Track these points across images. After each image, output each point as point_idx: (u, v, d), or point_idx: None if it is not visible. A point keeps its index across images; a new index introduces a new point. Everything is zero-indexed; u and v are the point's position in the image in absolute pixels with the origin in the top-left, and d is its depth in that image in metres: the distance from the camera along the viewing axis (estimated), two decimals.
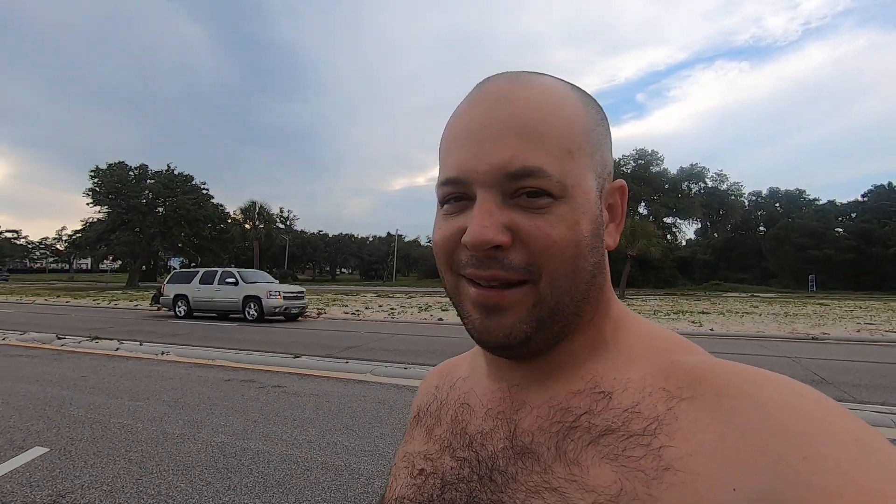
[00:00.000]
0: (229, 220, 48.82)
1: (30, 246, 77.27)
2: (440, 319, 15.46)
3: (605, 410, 0.39)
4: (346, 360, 7.88)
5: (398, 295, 31.65)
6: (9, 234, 66.79)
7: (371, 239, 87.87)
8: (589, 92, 0.47)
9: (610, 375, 0.42)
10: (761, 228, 63.33)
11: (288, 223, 54.63)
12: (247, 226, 43.13)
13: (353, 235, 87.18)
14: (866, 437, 0.31)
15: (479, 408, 0.48)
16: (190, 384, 6.24)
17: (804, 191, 63.29)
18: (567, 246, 0.39)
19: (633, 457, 0.36)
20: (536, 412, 0.43)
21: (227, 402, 5.39)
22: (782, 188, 64.83)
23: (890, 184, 55.74)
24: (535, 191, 0.39)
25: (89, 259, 73.97)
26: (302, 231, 75.50)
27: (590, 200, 0.41)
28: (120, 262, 57.77)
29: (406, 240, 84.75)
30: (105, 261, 56.11)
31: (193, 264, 70.38)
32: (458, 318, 0.45)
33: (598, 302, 0.44)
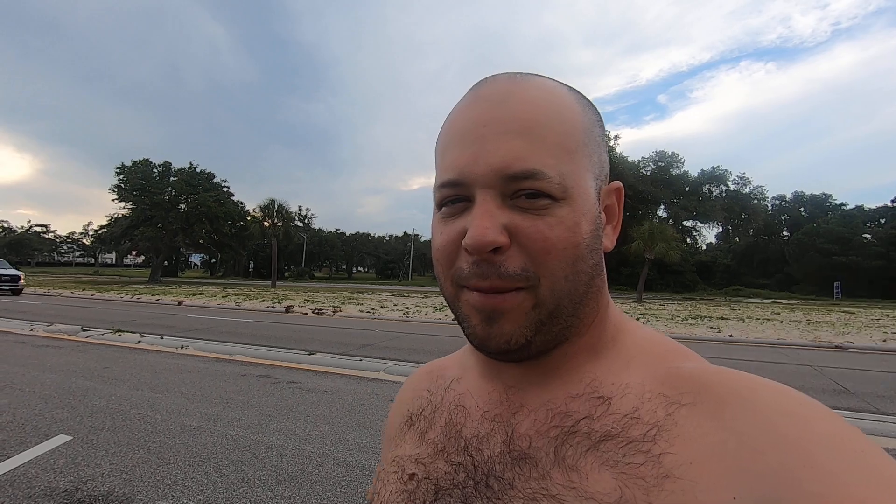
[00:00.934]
0: (249, 218, 49.57)
1: (57, 240, 79.61)
2: (454, 319, 15.47)
3: (604, 416, 0.39)
4: (360, 358, 7.95)
5: (413, 294, 31.75)
6: (38, 228, 69.00)
7: (388, 238, 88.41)
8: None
9: (609, 380, 0.41)
10: (785, 233, 61.88)
11: (306, 221, 55.39)
12: (266, 223, 43.67)
13: (369, 234, 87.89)
14: (866, 448, 0.31)
15: (474, 410, 0.47)
16: (207, 378, 6.37)
17: (830, 195, 61.63)
18: (566, 248, 0.39)
19: (633, 463, 0.35)
20: (534, 415, 0.42)
21: (242, 396, 5.49)
22: (807, 192, 63.23)
23: None
24: (535, 192, 0.38)
25: (114, 254, 75.89)
26: (320, 229, 76.36)
27: (589, 202, 0.41)
28: (143, 257, 59.15)
29: (422, 239, 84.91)
30: (129, 255, 57.46)
31: (214, 260, 71.68)
32: (457, 321, 0.45)
33: (596, 304, 0.44)
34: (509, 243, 0.38)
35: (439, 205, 0.43)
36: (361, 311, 17.64)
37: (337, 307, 18.72)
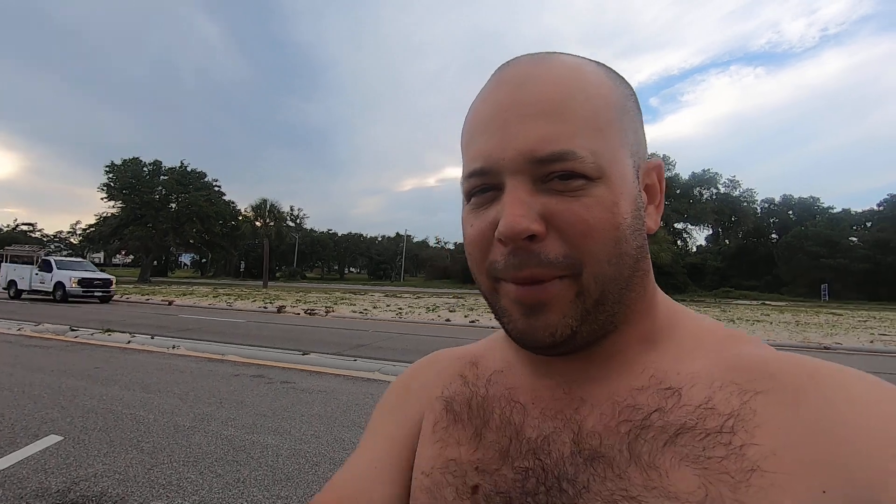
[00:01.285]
0: (240, 218, 49.25)
1: (44, 239, 78.56)
2: (447, 320, 15.48)
3: (676, 408, 0.37)
4: (354, 359, 7.92)
5: (406, 295, 31.72)
6: (25, 227, 67.91)
7: (380, 239, 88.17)
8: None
9: (673, 369, 0.39)
10: (774, 236, 62.61)
11: (298, 221, 55.10)
12: (257, 223, 43.44)
13: (362, 235, 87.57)
14: None
15: (531, 407, 0.43)
16: (200, 378, 6.32)
17: (818, 199, 62.42)
18: (607, 230, 0.37)
19: (715, 457, 0.33)
20: (599, 411, 0.40)
21: (236, 395, 5.44)
22: (796, 195, 64.03)
23: None
24: (568, 174, 0.36)
25: (102, 253, 74.96)
26: (312, 229, 76.02)
27: (627, 180, 0.39)
28: (132, 256, 58.49)
29: (415, 240, 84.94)
30: (118, 255, 56.84)
31: (204, 260, 71.11)
32: (496, 317, 0.42)
33: (643, 289, 0.42)
34: (545, 230, 0.36)
35: (468, 196, 0.41)
36: (354, 312, 17.58)
37: (329, 307, 18.64)
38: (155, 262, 51.29)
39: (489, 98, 0.41)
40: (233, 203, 51.06)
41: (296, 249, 65.95)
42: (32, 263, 21.12)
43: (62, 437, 3.96)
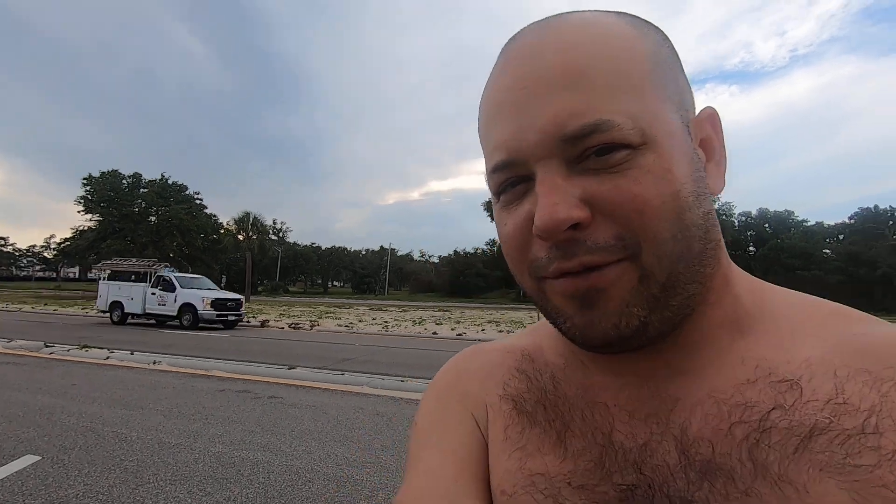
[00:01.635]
0: (222, 231, 48.54)
1: (16, 253, 76.28)
2: (434, 333, 15.39)
3: (799, 404, 0.31)
4: (341, 372, 7.79)
5: (391, 308, 31.50)
6: None
7: (364, 252, 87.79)
8: None
9: (779, 357, 0.34)
10: (751, 249, 64.04)
11: (281, 235, 54.52)
12: (240, 237, 42.83)
13: (345, 248, 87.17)
14: None
15: (616, 408, 0.37)
16: (184, 394, 6.13)
17: (793, 212, 64.19)
18: (664, 201, 0.31)
19: (865, 466, 0.27)
20: (701, 411, 0.34)
21: (222, 412, 5.29)
22: (772, 209, 65.77)
23: (876, 206, 56.87)
24: (606, 147, 0.31)
25: (77, 268, 73.02)
26: (295, 243, 75.26)
27: (678, 140, 0.33)
28: (109, 271, 57.11)
29: (399, 254, 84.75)
30: (94, 269, 55.38)
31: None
32: (548, 319, 0.37)
33: (717, 263, 0.36)
34: (590, 216, 0.31)
35: (497, 193, 0.36)
36: (339, 326, 17.38)
37: (314, 321, 18.39)
38: (133, 276, 50.19)
39: (499, 80, 0.35)
40: (214, 216, 50.36)
41: (278, 263, 65.19)
42: (145, 281, 17.55)
43: (40, 457, 3.78)
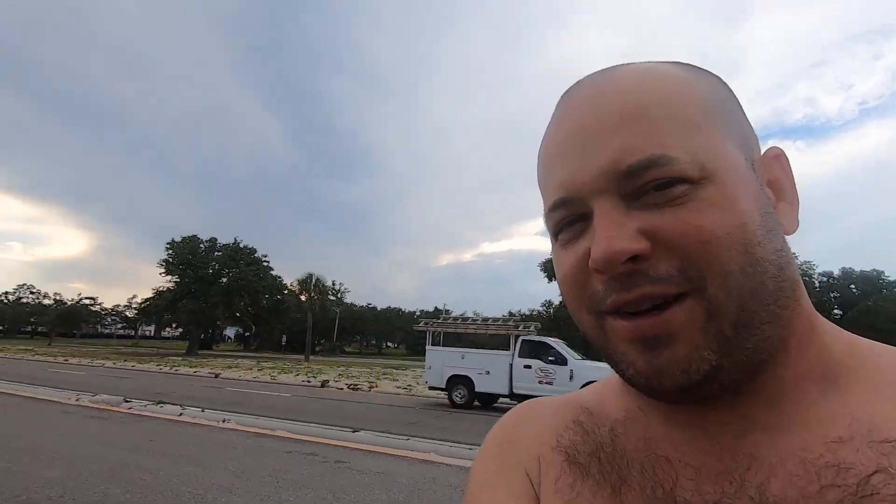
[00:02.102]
0: (286, 292, 50.63)
1: (102, 312, 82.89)
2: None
3: None
4: (406, 437, 7.51)
5: None
6: (87, 301, 72.15)
7: (418, 313, 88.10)
8: None
9: (882, 413, 0.30)
10: (836, 312, 58.42)
11: (339, 296, 56.07)
12: (302, 297, 44.43)
13: (400, 309, 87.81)
14: None
15: (680, 463, 0.33)
16: (253, 453, 6.09)
17: (882, 272, 58.57)
18: (730, 232, 0.29)
19: None
20: (784, 471, 0.30)
21: (292, 475, 5.16)
22: (857, 269, 60.37)
23: None
24: (665, 182, 0.30)
25: (153, 326, 77.99)
26: (352, 304, 76.98)
27: (741, 174, 0.32)
28: (181, 329, 60.43)
29: (453, 315, 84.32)
30: (167, 328, 58.93)
31: (248, 334, 72.62)
32: (609, 364, 0.35)
33: (797, 305, 0.33)
34: (650, 248, 0.30)
35: (555, 233, 0.36)
36: (398, 388, 17.12)
37: (372, 382, 18.26)
38: (202, 335, 52.70)
39: (557, 127, 0.36)
40: (279, 278, 52.84)
41: (336, 324, 66.59)
42: (507, 348, 13.15)
43: None
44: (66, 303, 70.80)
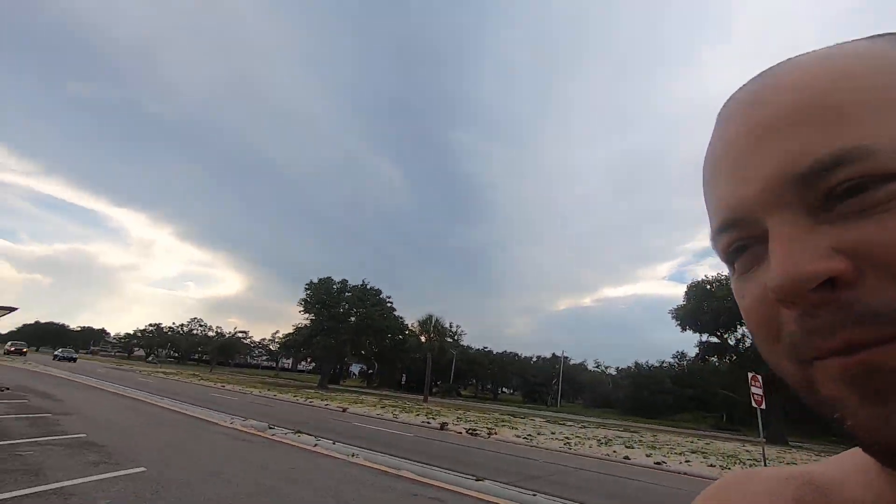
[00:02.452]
0: (407, 332, 52.68)
1: (252, 345, 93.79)
2: (626, 458, 13.41)
3: None
4: (533, 493, 7.07)
5: (570, 423, 29.06)
6: (240, 334, 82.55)
7: (535, 359, 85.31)
8: None
9: None
10: None
11: (456, 338, 56.80)
12: (422, 338, 45.82)
13: (516, 354, 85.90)
14: None
15: None
16: (380, 492, 6.18)
17: None
18: None
19: None
20: None
21: None
22: None
23: None
24: (863, 182, 0.23)
25: (291, 359, 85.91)
26: (468, 346, 77.33)
27: None
28: (314, 363, 65.69)
29: (571, 362, 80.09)
30: (303, 361, 64.37)
31: (371, 371, 76.51)
32: (819, 415, 0.27)
33: None
34: (852, 268, 0.23)
35: (729, 261, 0.30)
36: (517, 437, 16.45)
37: (491, 429, 17.80)
38: (332, 370, 56.58)
39: (719, 135, 0.30)
40: (401, 318, 55.33)
41: (452, 366, 67.19)
42: None
43: None
44: (224, 335, 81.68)
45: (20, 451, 6.43)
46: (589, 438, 18.04)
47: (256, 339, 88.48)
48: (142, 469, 6.01)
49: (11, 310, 7.59)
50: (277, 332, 79.02)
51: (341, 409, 20.73)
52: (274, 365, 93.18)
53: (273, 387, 34.42)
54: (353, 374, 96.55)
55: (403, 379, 65.78)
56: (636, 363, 68.49)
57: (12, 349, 48.16)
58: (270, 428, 11.51)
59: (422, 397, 40.07)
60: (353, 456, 8.78)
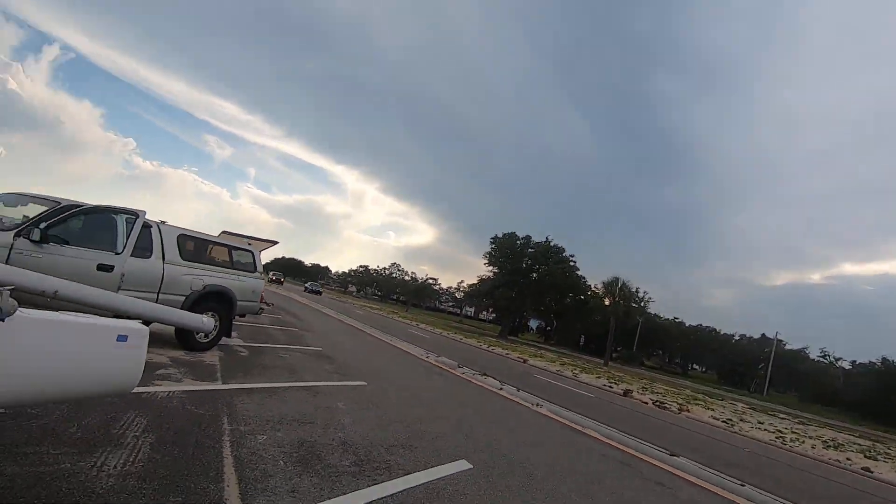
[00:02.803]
0: (590, 293, 51.18)
1: (440, 291, 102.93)
2: (866, 469, 10.98)
3: None
4: (741, 483, 6.31)
5: (780, 414, 25.03)
6: (430, 281, 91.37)
7: (737, 338, 74.73)
8: None
9: None
10: None
11: (643, 304, 53.01)
12: (606, 301, 44.00)
13: (714, 330, 76.41)
14: None
15: None
16: (567, 448, 6.24)
17: None
18: None
19: None
20: None
21: (609, 482, 5.01)
22: None
23: None
24: None
25: (474, 308, 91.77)
26: (655, 314, 71.54)
27: None
28: (495, 314, 68.97)
29: (786, 347, 67.78)
30: (485, 311, 68.02)
31: (549, 328, 77.09)
32: None
33: None
34: None
35: None
36: (714, 419, 14.82)
37: (682, 405, 16.38)
38: (511, 322, 58.63)
39: None
40: (584, 278, 53.88)
41: (637, 332, 63.26)
42: None
43: (471, 465, 4.39)
44: (418, 280, 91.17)
45: (281, 355, 8.27)
46: (810, 437, 15.25)
47: (444, 286, 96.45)
48: (363, 383, 7.17)
49: (274, 243, 9.55)
50: (462, 281, 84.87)
51: (521, 360, 21.42)
52: (458, 312, 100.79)
53: (458, 331, 37.36)
54: (531, 328, 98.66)
55: (582, 340, 64.55)
56: (883, 359, 54.73)
57: (274, 278, 60.62)
58: (459, 367, 12.54)
59: (601, 360, 38.94)
60: (537, 406, 9.02)
